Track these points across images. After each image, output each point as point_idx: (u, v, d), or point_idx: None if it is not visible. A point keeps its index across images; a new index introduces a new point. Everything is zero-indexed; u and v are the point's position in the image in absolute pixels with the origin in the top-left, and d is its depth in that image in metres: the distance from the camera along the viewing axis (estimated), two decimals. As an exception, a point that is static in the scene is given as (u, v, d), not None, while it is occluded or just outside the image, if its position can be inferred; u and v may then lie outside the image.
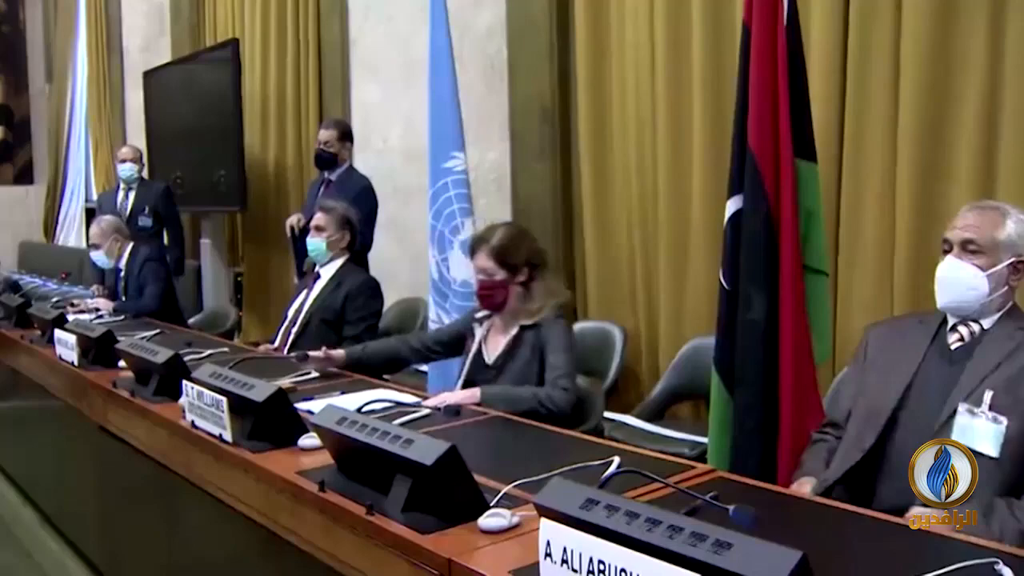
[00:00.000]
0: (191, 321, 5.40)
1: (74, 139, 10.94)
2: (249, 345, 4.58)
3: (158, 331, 4.49)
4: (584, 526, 1.43)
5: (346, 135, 5.19)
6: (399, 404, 2.81)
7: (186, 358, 3.22)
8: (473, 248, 3.22)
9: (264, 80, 7.09)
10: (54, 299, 6.42)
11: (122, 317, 5.00)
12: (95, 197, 10.22)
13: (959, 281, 2.27)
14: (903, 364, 2.33)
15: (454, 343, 3.40)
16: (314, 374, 3.35)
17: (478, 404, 2.90)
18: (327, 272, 4.12)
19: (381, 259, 5.09)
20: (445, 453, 1.82)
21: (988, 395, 2.14)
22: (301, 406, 2.60)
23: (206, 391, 2.56)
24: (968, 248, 2.28)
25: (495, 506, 1.87)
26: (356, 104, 6.21)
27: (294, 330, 4.05)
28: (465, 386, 3.13)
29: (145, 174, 6.85)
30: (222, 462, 2.49)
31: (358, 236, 4.22)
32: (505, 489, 1.96)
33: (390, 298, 4.84)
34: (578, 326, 4.64)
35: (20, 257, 11.74)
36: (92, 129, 10.21)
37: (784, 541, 1.24)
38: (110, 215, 5.69)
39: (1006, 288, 2.27)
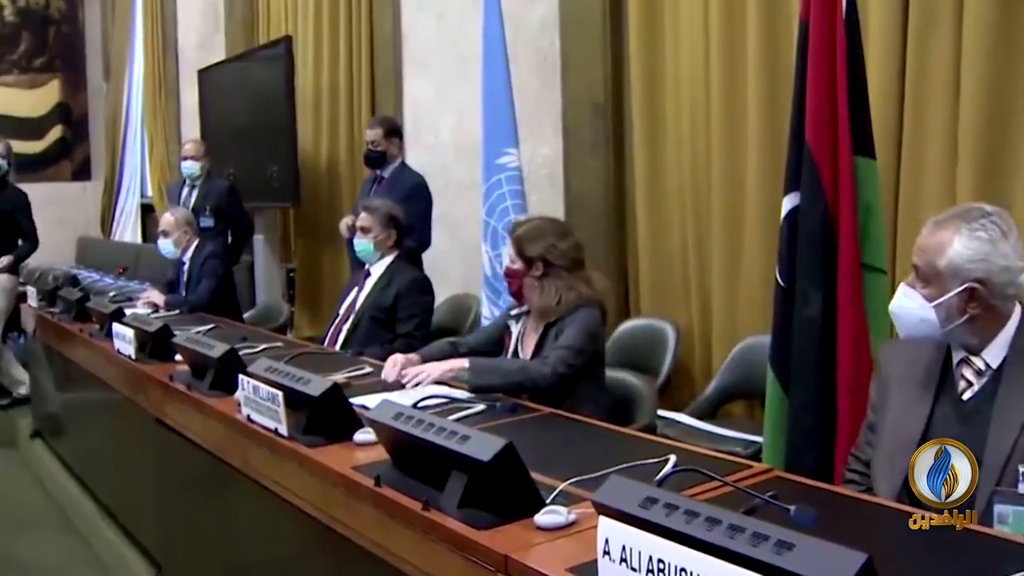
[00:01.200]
0: (244, 316, 5.44)
1: (130, 136, 11.12)
2: (302, 340, 4.62)
3: (213, 326, 4.55)
4: (643, 524, 1.42)
5: (393, 132, 5.19)
6: (453, 400, 2.81)
7: (241, 352, 3.25)
8: (508, 234, 3.31)
9: (317, 76, 7.14)
10: (111, 293, 6.53)
11: (176, 311, 5.07)
12: (150, 193, 10.38)
13: (908, 313, 2.07)
14: (914, 414, 2.09)
15: (499, 342, 3.39)
16: (369, 369, 3.37)
17: (469, 385, 2.92)
18: (377, 270, 4.15)
19: (433, 254, 5.10)
20: (502, 450, 1.81)
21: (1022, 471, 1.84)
22: (356, 401, 2.61)
23: (262, 385, 2.59)
24: (918, 275, 2.06)
25: (551, 503, 1.87)
26: (408, 99, 6.24)
27: (345, 327, 4.08)
28: None
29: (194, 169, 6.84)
30: (277, 456, 2.51)
31: (404, 232, 4.24)
32: (561, 486, 1.95)
33: (442, 294, 4.87)
34: (629, 323, 4.64)
35: (78, 252, 11.95)
36: (148, 126, 10.36)
37: (846, 543, 1.22)
38: (184, 208, 5.76)
39: (966, 318, 2.00)
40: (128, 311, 4.45)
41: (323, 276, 7.18)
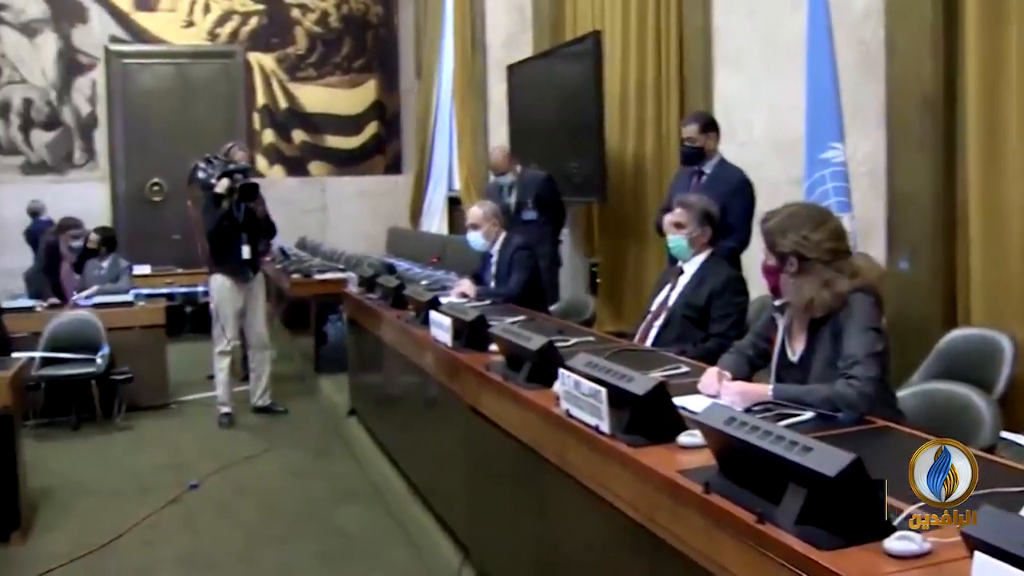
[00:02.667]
0: (550, 309, 5.52)
1: (439, 132, 11.63)
2: (608, 335, 4.61)
3: (526, 317, 4.63)
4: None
5: (709, 126, 5.06)
6: (779, 405, 2.69)
7: (557, 344, 3.26)
8: (760, 225, 3.01)
9: (624, 72, 7.14)
10: (423, 282, 6.84)
11: (488, 302, 5.21)
12: (457, 186, 10.81)
13: None
14: None
15: (770, 337, 3.11)
16: (686, 369, 3.29)
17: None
18: (690, 268, 4.08)
19: (743, 255, 4.95)
20: (849, 465, 1.70)
21: None
22: (677, 401, 2.55)
23: (584, 380, 2.58)
24: None
25: (900, 527, 1.73)
26: (718, 95, 6.10)
27: (656, 324, 4.03)
28: (776, 379, 2.94)
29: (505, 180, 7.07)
30: (598, 454, 2.49)
31: (720, 230, 4.14)
32: (909, 509, 1.79)
33: (752, 295, 4.71)
34: (958, 332, 4.27)
35: (388, 241, 12.67)
36: (456, 122, 10.79)
37: None
38: (492, 201, 5.95)
39: None
40: (442, 300, 4.62)
41: (627, 272, 7.16)
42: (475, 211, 5.60)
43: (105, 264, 7.87)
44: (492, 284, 5.47)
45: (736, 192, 4.74)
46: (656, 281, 4.47)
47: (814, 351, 2.86)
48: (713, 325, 3.89)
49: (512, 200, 6.49)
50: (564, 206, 6.89)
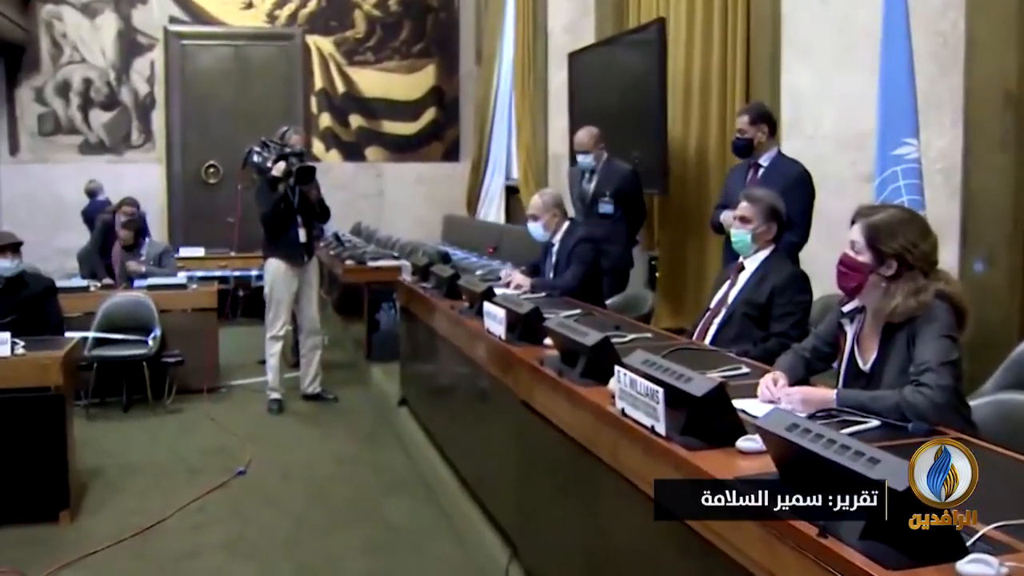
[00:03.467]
0: (607, 303, 5.45)
1: (498, 118, 11.59)
2: (666, 332, 4.55)
3: (582, 311, 4.58)
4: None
5: (760, 118, 4.95)
6: (843, 412, 2.61)
7: (614, 341, 3.21)
8: (854, 217, 2.88)
9: (688, 61, 7.03)
10: (477, 272, 6.82)
11: (543, 294, 5.16)
12: (515, 175, 10.76)
13: None
14: None
15: (835, 343, 3.02)
16: (746, 370, 3.23)
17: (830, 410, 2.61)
18: (751, 264, 4.00)
19: (804, 253, 4.85)
20: (919, 480, 1.64)
21: None
22: (736, 404, 2.48)
23: (640, 379, 2.53)
24: None
25: (974, 549, 1.66)
26: (786, 87, 5.97)
27: (716, 321, 3.96)
28: (844, 386, 2.85)
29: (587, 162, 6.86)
30: (652, 455, 2.44)
31: (785, 226, 4.06)
32: (984, 530, 1.72)
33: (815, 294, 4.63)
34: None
35: (444, 229, 12.69)
36: (516, 109, 10.74)
37: None
38: (553, 190, 5.85)
39: None
40: (497, 291, 4.59)
41: (687, 267, 7.06)
42: (535, 201, 5.53)
43: (143, 250, 7.91)
44: (551, 275, 5.42)
45: (795, 186, 4.66)
46: (716, 277, 4.39)
47: (887, 359, 2.77)
48: (774, 324, 3.81)
49: (591, 188, 6.38)
50: (645, 206, 6.76)
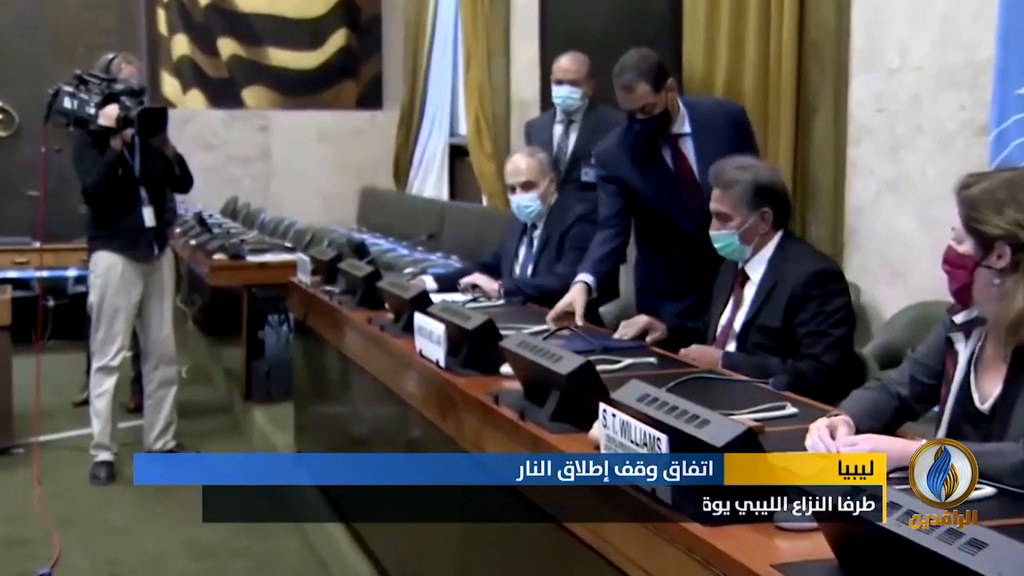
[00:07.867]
0: (603, 309, 5.51)
1: (438, 48, 11.57)
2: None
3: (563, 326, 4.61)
4: None
5: (661, 74, 4.86)
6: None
7: (599, 368, 3.28)
8: (956, 192, 2.87)
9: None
10: (407, 270, 6.83)
11: (516, 299, 5.25)
12: (463, 130, 10.78)
13: None
14: None
15: (940, 371, 3.01)
16: (793, 410, 3.28)
17: None
18: (755, 271, 4.21)
19: (884, 240, 4.96)
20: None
21: None
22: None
23: (636, 422, 2.58)
24: None
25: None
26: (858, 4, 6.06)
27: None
28: (949, 434, 2.83)
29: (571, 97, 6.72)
30: (654, 532, 2.49)
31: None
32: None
33: (901, 300, 4.77)
34: None
35: (360, 208, 12.65)
36: (464, 34, 10.74)
37: None
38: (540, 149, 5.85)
39: None
40: (436, 297, 4.63)
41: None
42: (524, 163, 5.51)
43: None
44: (529, 271, 5.48)
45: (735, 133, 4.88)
46: (716, 284, 4.48)
47: (1017, 396, 2.74)
48: (804, 348, 3.92)
49: (569, 145, 6.41)
50: None
